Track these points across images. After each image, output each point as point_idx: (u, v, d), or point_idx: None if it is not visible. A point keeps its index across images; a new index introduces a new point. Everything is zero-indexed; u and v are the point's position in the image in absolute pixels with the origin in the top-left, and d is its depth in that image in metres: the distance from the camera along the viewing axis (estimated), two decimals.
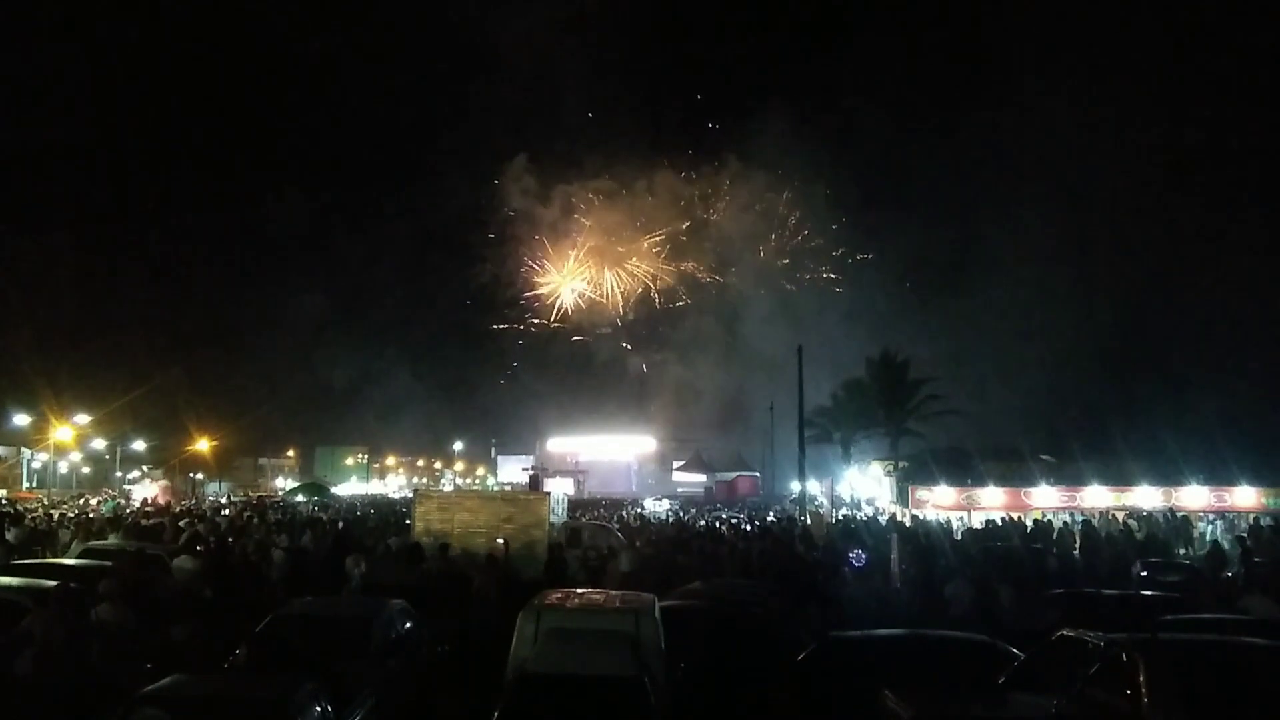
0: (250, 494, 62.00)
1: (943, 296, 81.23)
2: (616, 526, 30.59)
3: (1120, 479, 37.29)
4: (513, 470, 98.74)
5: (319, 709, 8.25)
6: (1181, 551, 29.19)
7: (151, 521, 25.59)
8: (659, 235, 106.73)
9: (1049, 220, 76.16)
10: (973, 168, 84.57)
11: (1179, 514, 33.55)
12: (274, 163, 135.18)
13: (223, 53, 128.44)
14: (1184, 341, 67.91)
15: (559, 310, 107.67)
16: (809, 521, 33.31)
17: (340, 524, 27.94)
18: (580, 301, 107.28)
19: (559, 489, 38.35)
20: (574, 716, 7.72)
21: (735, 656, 11.36)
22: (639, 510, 50.96)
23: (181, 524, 24.28)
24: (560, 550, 20.14)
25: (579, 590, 11.62)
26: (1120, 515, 33.53)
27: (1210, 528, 34.56)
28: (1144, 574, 20.00)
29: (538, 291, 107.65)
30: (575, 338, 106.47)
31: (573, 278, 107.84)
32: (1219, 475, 36.33)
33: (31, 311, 73.54)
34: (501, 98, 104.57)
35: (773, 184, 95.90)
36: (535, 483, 40.82)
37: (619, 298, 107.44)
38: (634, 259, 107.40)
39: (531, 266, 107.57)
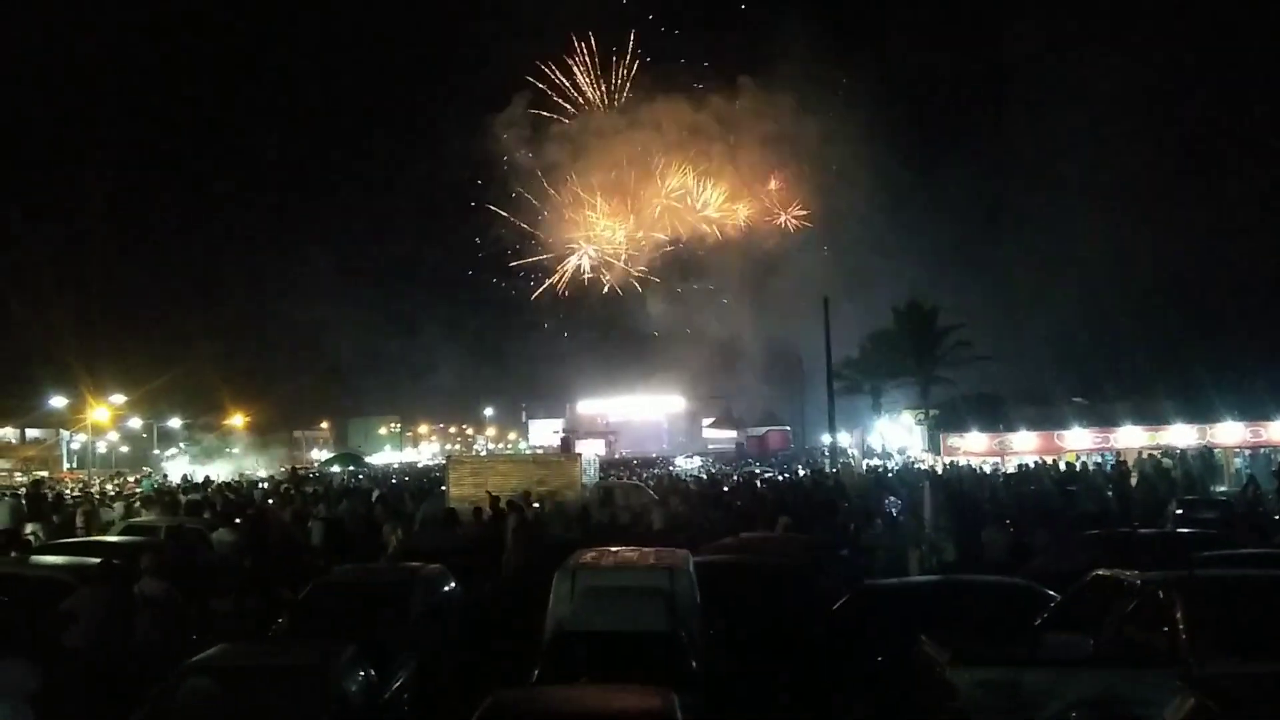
0: (286, 466, 62.75)
1: (973, 241, 79.96)
2: (649, 485, 30.69)
3: (1155, 418, 37.02)
4: (544, 433, 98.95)
5: (361, 673, 8.37)
6: (1221, 489, 29.01)
7: (189, 497, 25.91)
8: (675, 176, 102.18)
9: (1080, 160, 74.59)
10: (1004, 104, 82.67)
11: (1213, 450, 33.33)
12: (303, 139, 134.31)
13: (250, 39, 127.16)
14: (1217, 278, 66.86)
15: (578, 266, 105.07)
16: (840, 472, 33.29)
17: (376, 492, 28.17)
18: (599, 255, 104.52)
19: (590, 450, 38.40)
20: (611, 671, 7.80)
21: (770, 609, 11.40)
22: (670, 468, 51.07)
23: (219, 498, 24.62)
24: (593, 510, 20.26)
25: (613, 549, 11.66)
26: (1155, 454, 33.33)
27: (1246, 464, 34.33)
28: (1179, 512, 19.92)
29: (555, 248, 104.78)
30: (597, 292, 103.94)
31: (589, 229, 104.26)
32: (1254, 411, 35.98)
33: (65, 296, 74.31)
34: (496, 39, 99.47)
35: (794, 115, 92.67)
36: (567, 445, 40.94)
37: (639, 247, 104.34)
38: (650, 204, 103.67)
39: (545, 221, 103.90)
